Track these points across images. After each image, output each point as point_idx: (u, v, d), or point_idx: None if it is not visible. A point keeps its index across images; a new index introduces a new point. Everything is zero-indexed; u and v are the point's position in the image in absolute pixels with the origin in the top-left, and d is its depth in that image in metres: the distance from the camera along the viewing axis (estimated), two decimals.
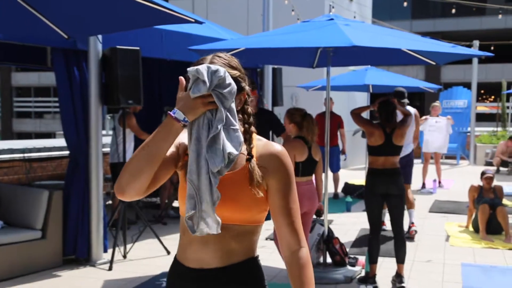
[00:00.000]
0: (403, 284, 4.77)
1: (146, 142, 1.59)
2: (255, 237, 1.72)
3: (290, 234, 1.69)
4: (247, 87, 1.70)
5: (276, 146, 1.71)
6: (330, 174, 8.96)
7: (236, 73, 1.65)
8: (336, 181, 9.60)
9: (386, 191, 4.73)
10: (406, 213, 5.69)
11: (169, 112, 1.58)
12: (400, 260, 4.79)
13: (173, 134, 1.57)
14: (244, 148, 1.66)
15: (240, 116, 1.69)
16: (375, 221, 4.81)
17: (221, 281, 1.67)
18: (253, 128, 1.71)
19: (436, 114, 10.76)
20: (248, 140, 1.68)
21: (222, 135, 1.54)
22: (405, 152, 6.44)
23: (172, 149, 1.67)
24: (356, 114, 4.96)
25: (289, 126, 4.63)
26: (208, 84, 1.51)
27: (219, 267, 1.66)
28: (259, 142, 1.72)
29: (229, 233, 1.65)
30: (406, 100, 6.66)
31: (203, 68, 1.53)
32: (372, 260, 4.86)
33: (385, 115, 4.83)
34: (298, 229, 1.70)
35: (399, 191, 4.74)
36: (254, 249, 1.73)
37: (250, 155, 1.66)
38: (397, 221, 4.78)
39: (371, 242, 4.84)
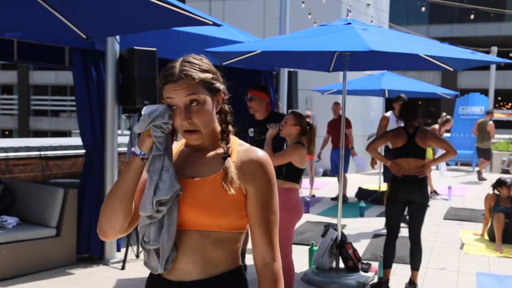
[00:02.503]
0: None
1: (116, 182, 1.63)
2: (237, 245, 1.65)
3: (265, 246, 1.62)
4: (221, 87, 1.65)
5: (259, 152, 1.66)
6: (337, 176, 8.93)
7: (208, 75, 1.61)
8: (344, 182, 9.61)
9: (409, 198, 4.67)
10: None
11: (132, 149, 1.64)
12: (415, 267, 4.75)
13: (136, 169, 1.60)
14: (219, 148, 1.66)
15: (218, 116, 1.67)
16: (393, 227, 4.79)
17: None
18: (230, 128, 1.68)
19: None
20: (225, 140, 1.65)
21: (154, 180, 1.58)
22: None
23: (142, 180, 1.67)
24: (373, 148, 4.86)
25: (292, 128, 4.21)
26: (146, 121, 1.56)
27: (200, 280, 1.59)
28: (241, 148, 1.67)
29: (209, 240, 1.59)
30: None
31: (144, 111, 1.58)
32: (386, 265, 4.84)
33: (407, 113, 4.74)
34: (274, 241, 1.63)
35: (423, 199, 4.67)
36: (237, 258, 1.66)
37: (226, 154, 1.62)
38: (415, 228, 4.73)
39: (387, 246, 4.82)
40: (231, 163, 1.60)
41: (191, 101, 1.56)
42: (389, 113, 7.66)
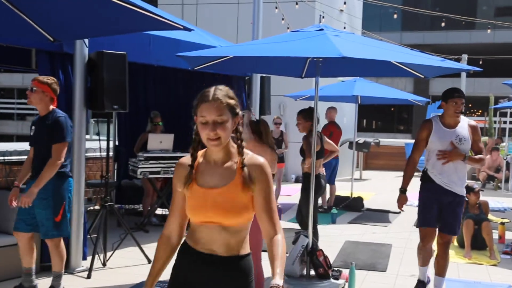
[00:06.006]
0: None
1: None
2: (246, 232, 2.21)
3: (270, 226, 2.16)
4: (240, 112, 2.15)
5: (260, 159, 2.19)
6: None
7: (233, 101, 2.12)
8: (332, 194, 9.48)
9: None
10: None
11: None
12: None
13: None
14: (237, 159, 2.16)
15: (233, 134, 2.15)
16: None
17: (225, 267, 2.16)
18: (244, 143, 2.16)
19: None
20: (240, 153, 2.14)
21: None
22: (462, 190, 4.83)
23: (179, 200, 2.25)
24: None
25: (249, 137, 4.39)
26: None
27: (223, 256, 2.15)
28: (246, 156, 2.17)
29: (229, 232, 2.14)
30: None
31: None
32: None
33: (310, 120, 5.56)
34: (275, 221, 2.18)
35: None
36: (246, 246, 2.21)
37: (243, 164, 2.13)
38: None
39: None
40: (246, 172, 2.12)
41: (218, 118, 2.07)
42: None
